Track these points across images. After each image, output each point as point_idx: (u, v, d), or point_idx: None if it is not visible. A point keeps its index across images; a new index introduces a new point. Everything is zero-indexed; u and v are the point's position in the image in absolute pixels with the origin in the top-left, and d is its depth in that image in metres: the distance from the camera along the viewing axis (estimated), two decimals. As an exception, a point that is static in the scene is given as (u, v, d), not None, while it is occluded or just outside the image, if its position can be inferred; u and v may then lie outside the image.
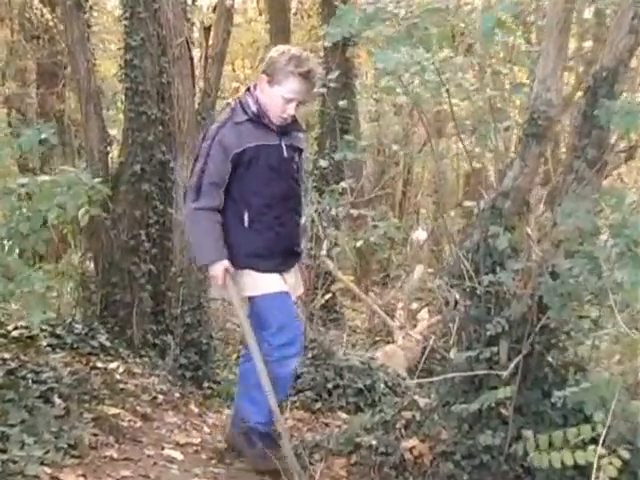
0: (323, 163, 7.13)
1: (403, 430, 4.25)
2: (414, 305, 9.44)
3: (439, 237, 13.37)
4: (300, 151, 4.08)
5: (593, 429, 3.17)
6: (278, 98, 3.82)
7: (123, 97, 6.28)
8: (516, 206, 4.15)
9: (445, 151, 12.57)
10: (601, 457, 2.92)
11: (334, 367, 5.75)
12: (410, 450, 4.04)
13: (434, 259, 12.03)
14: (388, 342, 8.41)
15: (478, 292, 4.09)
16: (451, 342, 4.54)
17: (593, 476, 2.93)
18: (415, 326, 8.73)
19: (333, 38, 3.86)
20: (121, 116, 6.51)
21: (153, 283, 6.16)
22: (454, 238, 4.96)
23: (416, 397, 4.45)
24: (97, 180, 4.50)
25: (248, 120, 3.84)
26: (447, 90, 4.05)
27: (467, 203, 5.01)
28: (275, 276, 3.90)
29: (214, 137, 3.80)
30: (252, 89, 3.92)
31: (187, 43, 6.24)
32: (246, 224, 3.87)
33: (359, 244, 5.95)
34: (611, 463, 2.95)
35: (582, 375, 4.01)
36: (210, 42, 9.31)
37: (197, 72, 7.30)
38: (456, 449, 3.93)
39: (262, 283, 3.85)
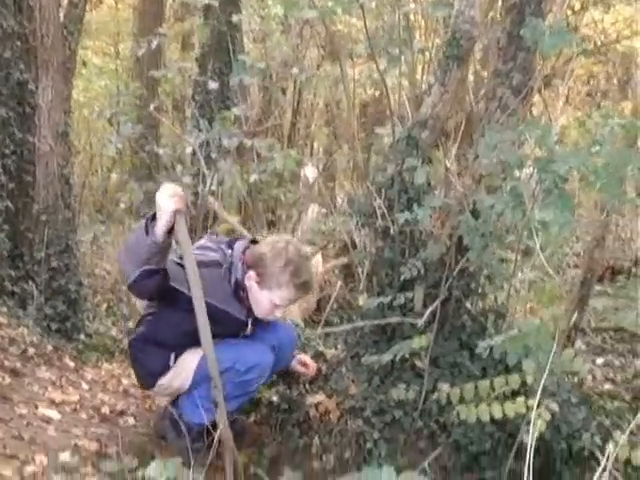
0: (213, 85, 6.98)
1: (307, 385, 4.30)
2: (308, 249, 9.47)
3: (333, 173, 13.46)
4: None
5: (522, 379, 3.28)
6: (266, 302, 3.74)
7: (-30, 6, 5.97)
8: (434, 136, 4.21)
9: (341, 76, 12.55)
10: (532, 409, 3.03)
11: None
12: (316, 406, 4.10)
13: (327, 198, 12.09)
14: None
15: (391, 232, 4.15)
16: (360, 288, 4.60)
17: (522, 430, 3.04)
18: (309, 272, 8.78)
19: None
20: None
21: (11, 222, 5.95)
22: (353, 174, 4.99)
23: (322, 348, 4.50)
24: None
25: (227, 280, 3.73)
26: (362, 6, 4.02)
27: (378, 130, 5.02)
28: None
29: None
30: (242, 256, 3.78)
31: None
32: (171, 362, 3.83)
33: (253, 179, 5.89)
34: (540, 416, 3.07)
35: (502, 323, 4.14)
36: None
37: (61, -23, 7.01)
38: (366, 405, 4.01)
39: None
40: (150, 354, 3.81)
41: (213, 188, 6.58)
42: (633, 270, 10.67)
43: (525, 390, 3.55)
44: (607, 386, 7.12)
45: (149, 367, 3.84)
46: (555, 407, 3.26)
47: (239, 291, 3.76)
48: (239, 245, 3.82)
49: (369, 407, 3.99)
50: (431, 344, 3.86)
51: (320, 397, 4.13)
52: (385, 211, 4.16)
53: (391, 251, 4.14)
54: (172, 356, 3.80)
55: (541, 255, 3.71)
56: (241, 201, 10.82)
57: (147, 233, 3.37)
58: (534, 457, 4.38)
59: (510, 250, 4.20)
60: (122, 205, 8.22)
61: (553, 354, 2.98)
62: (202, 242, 3.88)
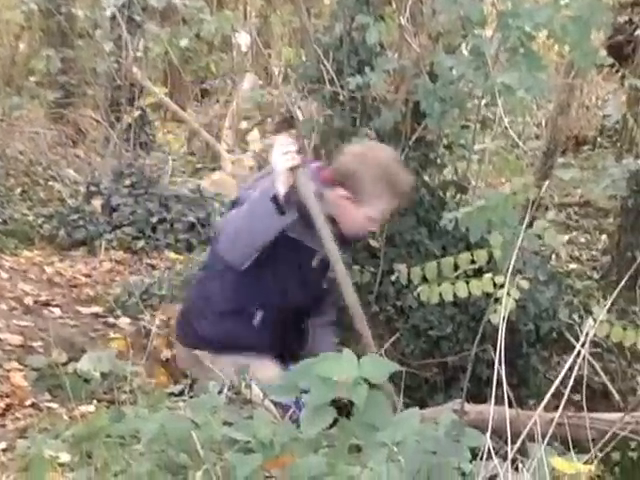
0: None
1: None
2: (243, 124, 9.41)
3: (269, 40, 13.26)
4: None
5: (490, 255, 3.30)
6: (362, 218, 3.52)
7: None
8: (388, -10, 4.14)
9: None
10: (501, 287, 3.04)
11: (158, 197, 5.70)
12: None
13: (263, 67, 11.94)
14: (214, 169, 8.40)
15: (341, 98, 4.10)
16: (307, 161, 4.56)
17: (488, 310, 3.06)
18: (246, 150, 8.74)
19: None
20: None
21: None
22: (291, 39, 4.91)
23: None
24: None
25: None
26: None
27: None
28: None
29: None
30: (323, 175, 3.55)
31: None
32: (255, 322, 3.63)
33: (184, 43, 5.77)
34: (509, 294, 3.09)
35: (463, 197, 4.16)
36: None
37: None
38: (316, 289, 4.03)
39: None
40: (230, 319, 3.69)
41: (137, 55, 6.44)
42: (599, 140, 10.80)
43: (490, 269, 3.59)
44: (573, 265, 7.28)
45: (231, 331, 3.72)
46: (525, 285, 3.31)
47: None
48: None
49: (320, 292, 4.01)
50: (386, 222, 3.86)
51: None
52: (333, 76, 4.09)
53: (341, 120, 4.09)
54: (259, 314, 3.68)
55: (505, 121, 3.72)
56: (168, 71, 10.64)
57: (282, 213, 3.26)
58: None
59: (471, 117, 4.20)
60: (34, 77, 8.03)
61: (522, 227, 3.00)
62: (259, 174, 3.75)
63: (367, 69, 3.87)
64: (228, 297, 3.52)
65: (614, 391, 4.47)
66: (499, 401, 2.11)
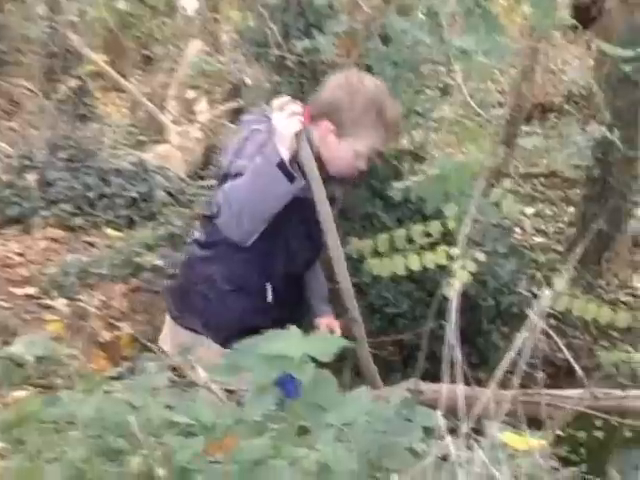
0: None
1: (197, 245, 4.32)
2: (190, 93, 9.38)
3: (216, 3, 13.19)
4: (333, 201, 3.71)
5: (444, 226, 3.32)
6: (350, 153, 3.42)
7: None
8: (336, -53, 4.14)
9: None
10: (454, 260, 3.08)
11: (97, 171, 5.67)
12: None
13: (211, 33, 11.89)
14: (158, 141, 8.37)
15: (289, 63, 4.11)
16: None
17: (442, 284, 3.09)
18: (193, 120, 8.71)
19: None
20: None
21: None
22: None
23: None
24: None
25: None
26: None
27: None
28: None
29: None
30: (305, 117, 3.45)
31: None
32: (269, 299, 3.54)
33: (122, 6, 5.74)
34: (464, 267, 3.13)
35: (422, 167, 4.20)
36: None
37: None
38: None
39: None
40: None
41: (74, 19, 6.39)
42: (566, 107, 10.87)
43: (447, 242, 3.62)
44: (538, 239, 7.37)
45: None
46: (481, 257, 3.33)
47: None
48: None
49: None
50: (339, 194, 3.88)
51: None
52: (280, 39, 4.10)
53: (289, 86, 4.10)
54: (269, 288, 3.64)
55: (463, 87, 3.75)
56: (108, 37, 10.56)
57: (291, 180, 3.19)
58: (459, 316, 4.53)
59: (430, 83, 4.22)
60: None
61: (478, 196, 3.02)
62: (247, 118, 3.70)
63: (315, 32, 3.87)
64: (236, 276, 3.45)
65: (577, 368, 4.53)
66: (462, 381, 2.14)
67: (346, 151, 3.41)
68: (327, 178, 3.42)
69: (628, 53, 4.98)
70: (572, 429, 4.59)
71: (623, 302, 6.05)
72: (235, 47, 7.19)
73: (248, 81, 4.62)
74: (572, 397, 2.98)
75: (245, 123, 3.43)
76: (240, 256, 3.36)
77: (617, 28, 6.40)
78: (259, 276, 3.44)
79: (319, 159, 3.37)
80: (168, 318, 3.57)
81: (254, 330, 3.44)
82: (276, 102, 3.17)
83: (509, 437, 1.88)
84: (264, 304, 3.44)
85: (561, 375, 4.50)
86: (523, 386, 2.20)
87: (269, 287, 3.45)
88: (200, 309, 3.45)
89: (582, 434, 4.68)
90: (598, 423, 4.41)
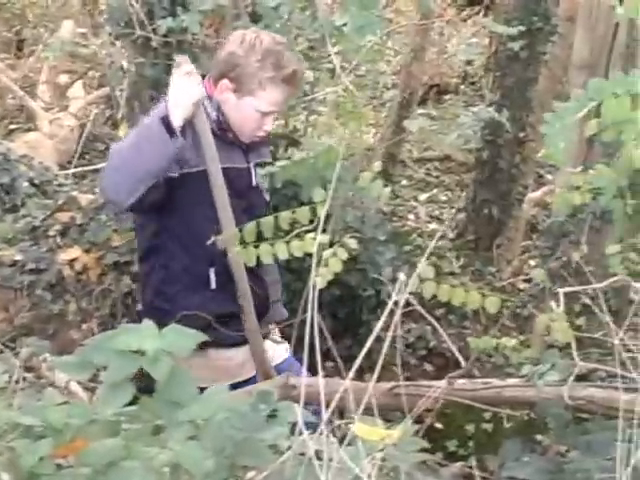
0: None
1: (59, 238, 4.28)
2: (63, 78, 9.28)
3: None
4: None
5: (313, 213, 3.33)
6: (251, 112, 3.34)
7: None
8: None
9: None
10: (324, 247, 3.08)
11: (-46, 161, 5.59)
12: (70, 264, 4.10)
13: (87, 14, 11.77)
14: (29, 130, 8.28)
15: (153, 44, 4.09)
16: (119, 116, 4.56)
17: (313, 272, 3.11)
18: (67, 107, 8.62)
19: None
20: None
21: None
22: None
23: (75, 193, 4.48)
24: None
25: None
26: None
27: None
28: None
29: None
30: (208, 87, 3.37)
31: None
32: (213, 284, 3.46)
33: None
34: (335, 254, 3.14)
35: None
36: None
37: None
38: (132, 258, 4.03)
39: None
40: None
41: None
42: (462, 88, 11.01)
43: (324, 230, 3.63)
44: (432, 225, 7.46)
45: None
46: (353, 243, 3.35)
47: (225, 133, 3.59)
48: None
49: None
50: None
51: (75, 252, 4.13)
52: (144, 18, 4.08)
53: (154, 68, 4.09)
54: (212, 274, 3.59)
55: (337, 66, 3.78)
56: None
57: (172, 135, 3.15)
58: (339, 307, 4.57)
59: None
60: None
61: (350, 180, 3.05)
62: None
63: (180, 10, 3.86)
64: (178, 268, 3.50)
65: (461, 358, 4.61)
66: (340, 374, 2.16)
67: (248, 110, 3.44)
68: (247, 148, 3.52)
69: (514, 30, 5.09)
70: (461, 422, 4.67)
71: (520, 289, 6.14)
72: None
73: (112, 63, 4.61)
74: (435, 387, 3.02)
75: None
76: (176, 246, 3.42)
77: (508, 4, 6.50)
78: (197, 261, 3.45)
79: (230, 127, 3.43)
80: None
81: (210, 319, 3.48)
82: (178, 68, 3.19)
83: (360, 429, 1.91)
84: (207, 293, 3.46)
85: (451, 366, 4.58)
86: (408, 378, 2.25)
87: (212, 271, 3.47)
88: (161, 316, 3.43)
89: (471, 427, 4.76)
90: (487, 415, 4.50)
